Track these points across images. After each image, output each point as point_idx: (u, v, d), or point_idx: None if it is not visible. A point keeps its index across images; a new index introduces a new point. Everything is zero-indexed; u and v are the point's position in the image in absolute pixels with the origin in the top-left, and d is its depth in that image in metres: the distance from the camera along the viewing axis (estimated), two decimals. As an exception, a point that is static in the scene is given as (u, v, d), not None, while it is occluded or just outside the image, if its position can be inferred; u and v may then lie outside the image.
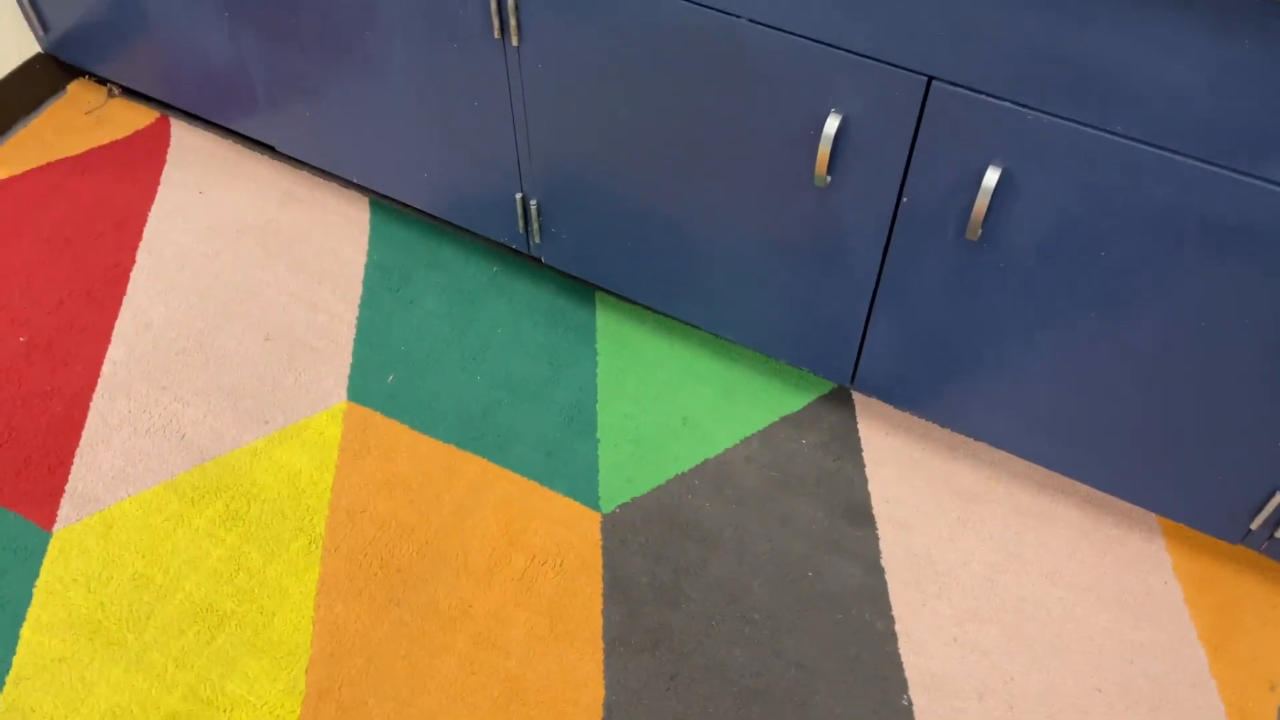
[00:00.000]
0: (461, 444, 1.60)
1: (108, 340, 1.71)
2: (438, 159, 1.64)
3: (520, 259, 1.84)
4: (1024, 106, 1.08)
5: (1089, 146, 1.07)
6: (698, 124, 1.32)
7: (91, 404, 1.63)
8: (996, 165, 1.13)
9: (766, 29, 1.17)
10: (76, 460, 1.57)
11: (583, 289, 1.80)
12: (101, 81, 2.14)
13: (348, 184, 1.95)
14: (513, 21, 1.34)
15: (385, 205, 1.92)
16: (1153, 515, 1.50)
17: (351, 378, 1.67)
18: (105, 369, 1.68)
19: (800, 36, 1.16)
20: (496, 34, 1.37)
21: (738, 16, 1.18)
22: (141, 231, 1.87)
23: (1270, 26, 0.91)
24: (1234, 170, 1.01)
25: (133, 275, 1.81)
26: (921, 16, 1.07)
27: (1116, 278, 1.16)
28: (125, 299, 1.77)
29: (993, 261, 1.23)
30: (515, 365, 1.69)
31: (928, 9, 1.06)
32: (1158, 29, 0.96)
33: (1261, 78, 0.94)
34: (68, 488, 1.54)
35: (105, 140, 2.03)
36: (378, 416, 1.63)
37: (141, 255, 1.84)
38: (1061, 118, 1.07)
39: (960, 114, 1.12)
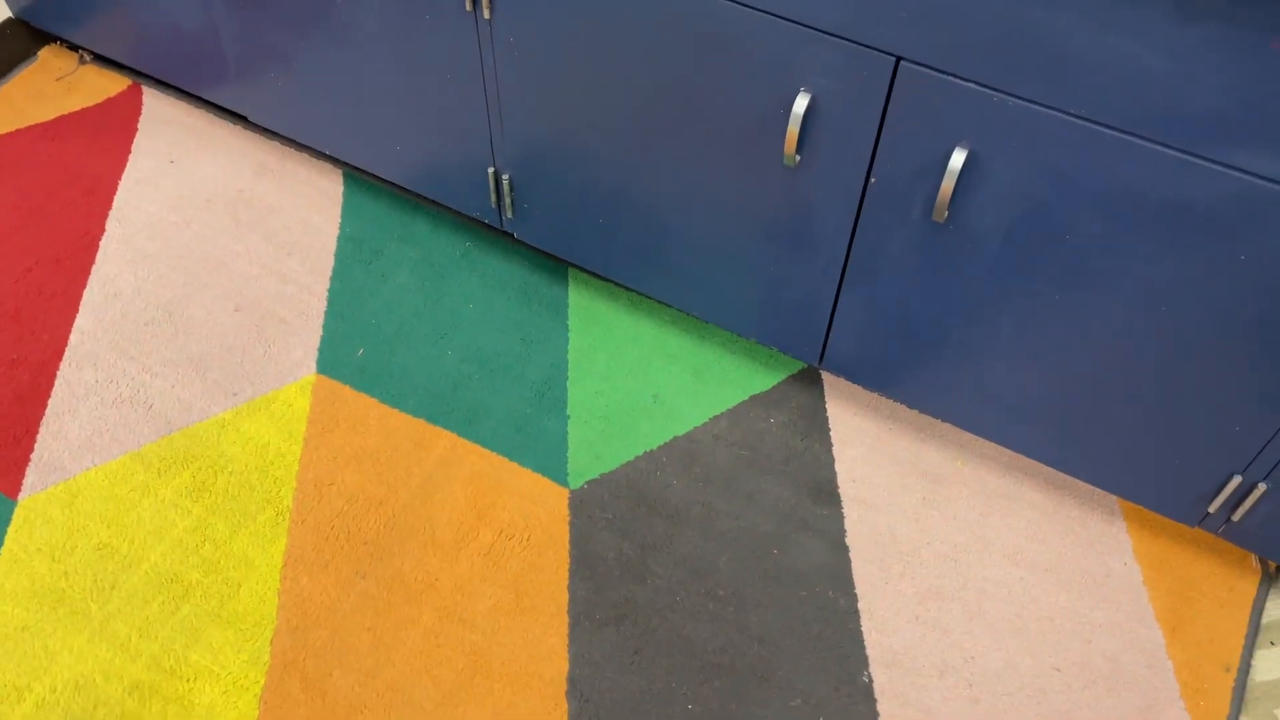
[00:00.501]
0: (431, 418, 1.60)
1: (75, 309, 1.70)
2: (411, 132, 1.63)
3: (493, 234, 1.84)
4: (991, 89, 1.08)
5: (1054, 129, 1.07)
6: (669, 101, 1.31)
7: (58, 373, 1.62)
8: (963, 147, 1.14)
9: (737, 5, 1.17)
10: (42, 429, 1.56)
11: (555, 265, 1.79)
12: (73, 48, 2.12)
13: (320, 155, 1.94)
14: (484, -6, 1.33)
15: (358, 178, 1.91)
16: (1114, 498, 1.52)
17: (321, 350, 1.67)
18: (72, 338, 1.67)
19: (770, 14, 1.16)
20: (468, 6, 1.36)
21: (708, -7, 1.18)
22: (111, 200, 1.85)
23: (1233, 12, 0.91)
24: (1195, 155, 1.02)
25: (102, 244, 1.79)
26: (890, -4, 1.07)
27: (1080, 261, 1.17)
28: (94, 268, 1.76)
29: (959, 243, 1.24)
30: (486, 340, 1.69)
31: (896, -11, 1.06)
32: (1124, 13, 0.96)
33: (1223, 63, 0.95)
34: (33, 457, 1.53)
35: (76, 107, 2.01)
36: (347, 390, 1.62)
37: (111, 224, 1.82)
38: (1027, 100, 1.07)
39: (928, 95, 1.12)
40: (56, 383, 1.61)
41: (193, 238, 1.81)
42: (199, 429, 1.57)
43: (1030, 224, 1.17)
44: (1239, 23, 0.92)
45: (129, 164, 1.91)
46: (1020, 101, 1.07)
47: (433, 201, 1.87)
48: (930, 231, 1.25)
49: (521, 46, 1.37)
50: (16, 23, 2.05)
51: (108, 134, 1.96)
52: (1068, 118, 1.06)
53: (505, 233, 1.83)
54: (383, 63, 1.54)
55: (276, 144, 1.96)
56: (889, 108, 1.16)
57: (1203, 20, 0.93)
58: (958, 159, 1.14)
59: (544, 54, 1.36)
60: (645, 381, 1.64)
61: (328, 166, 1.93)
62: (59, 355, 1.64)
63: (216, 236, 1.81)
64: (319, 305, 1.72)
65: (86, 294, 1.72)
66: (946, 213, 1.19)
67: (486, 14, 1.36)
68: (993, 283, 1.25)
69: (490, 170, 1.59)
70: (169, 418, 1.58)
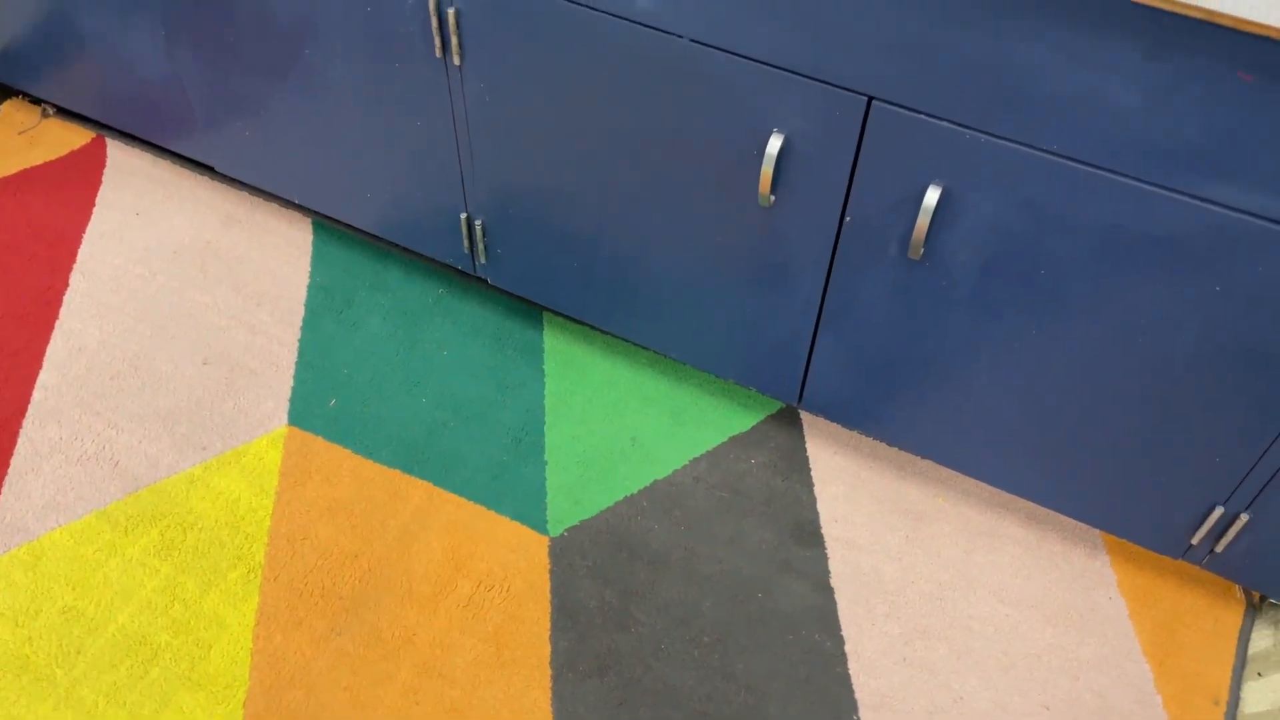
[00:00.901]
0: (406, 468, 1.57)
1: (39, 365, 1.66)
2: (381, 179, 1.62)
3: (466, 279, 1.82)
4: (962, 126, 1.09)
5: (1026, 166, 1.08)
6: (642, 144, 1.31)
7: (21, 431, 1.58)
8: (937, 184, 1.14)
9: (708, 48, 1.17)
10: (4, 489, 1.51)
11: (529, 309, 1.78)
12: (35, 101, 2.09)
13: (289, 205, 1.92)
14: (454, 41, 1.33)
15: (328, 226, 1.90)
16: (1096, 531, 1.51)
17: (293, 401, 1.64)
18: (36, 394, 1.63)
19: (742, 56, 1.16)
20: (438, 53, 1.36)
21: (679, 36, 1.18)
22: (76, 253, 1.82)
23: (1199, 47, 0.93)
24: (1167, 188, 1.03)
25: (66, 298, 1.76)
26: (861, 36, 1.07)
27: (1056, 295, 1.17)
28: (58, 322, 1.72)
29: (935, 280, 1.24)
30: (461, 387, 1.67)
31: (867, 29, 1.07)
32: (1092, 50, 0.97)
33: (1191, 97, 0.96)
34: (-5, 518, 1.49)
35: (39, 161, 1.98)
36: (319, 441, 1.59)
37: (75, 278, 1.79)
38: (999, 137, 1.07)
39: (900, 133, 1.13)
40: (19, 440, 1.57)
41: (159, 290, 1.78)
42: (167, 485, 1.53)
43: (1006, 259, 1.17)
44: (1207, 56, 0.93)
45: (93, 217, 1.88)
46: (993, 139, 1.08)
47: (404, 248, 1.85)
48: (906, 269, 1.25)
49: (492, 92, 1.37)
50: (-23, 77, 2.02)
51: (71, 187, 1.93)
52: (1040, 154, 1.06)
53: (478, 278, 1.82)
54: (352, 111, 1.54)
55: (244, 194, 1.94)
56: (862, 147, 1.16)
57: (1171, 54, 0.94)
58: (932, 196, 1.14)
59: (515, 99, 1.36)
60: (623, 425, 1.63)
61: (297, 215, 1.91)
62: (22, 412, 1.60)
63: (184, 288, 1.78)
64: (289, 356, 1.70)
65: (50, 349, 1.69)
66: (922, 250, 1.19)
67: (457, 60, 1.35)
68: (970, 319, 1.25)
69: (462, 216, 1.58)
70: (136, 474, 1.54)
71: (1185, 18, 0.91)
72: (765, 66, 1.15)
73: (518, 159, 1.44)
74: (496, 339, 1.73)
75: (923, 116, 1.10)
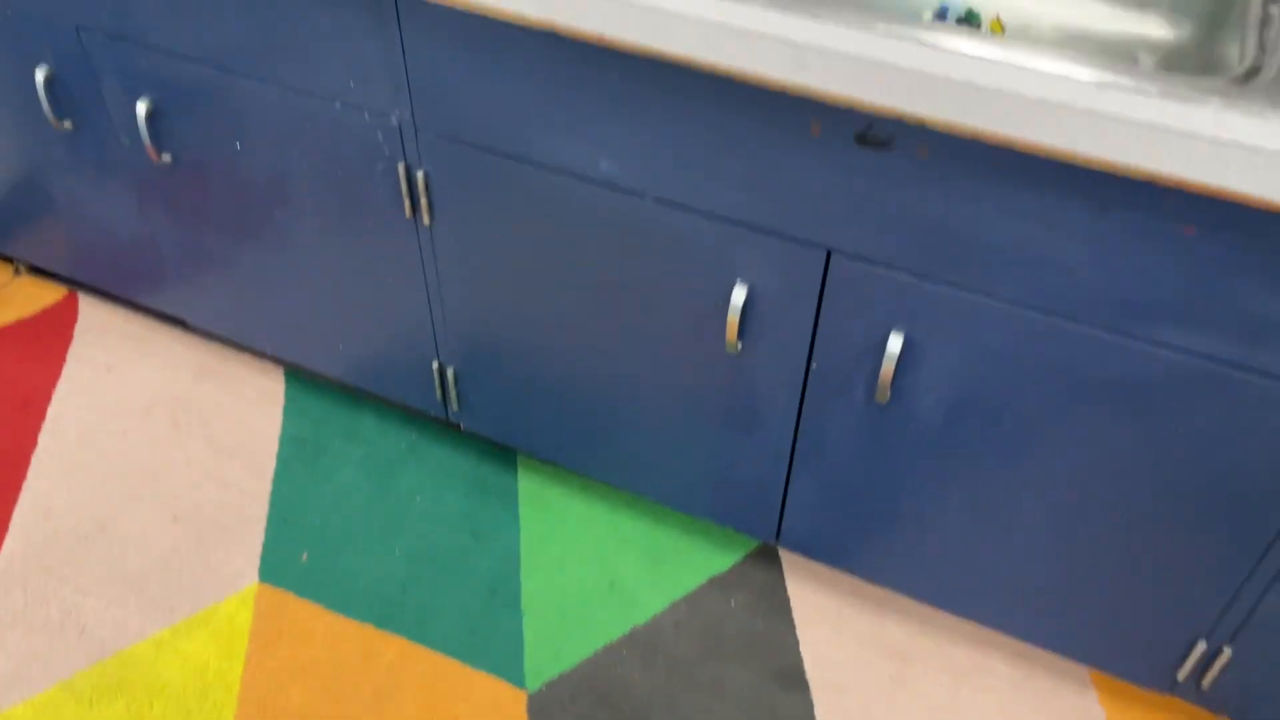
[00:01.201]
0: (380, 623, 1.54)
1: (4, 531, 1.63)
2: (353, 330, 1.63)
3: (439, 426, 1.82)
4: (920, 277, 1.11)
5: (984, 314, 1.10)
6: (611, 295, 1.33)
7: (-17, 600, 1.54)
8: (899, 331, 1.16)
9: (671, 207, 1.20)
10: (-36, 663, 1.47)
11: (504, 454, 1.78)
12: (7, 260, 2.11)
13: (262, 356, 1.93)
14: (424, 202, 1.36)
15: (301, 376, 1.90)
16: (1084, 667, 1.49)
17: (264, 557, 1.61)
18: (0, 562, 1.59)
19: (703, 214, 1.19)
20: (408, 214, 1.38)
21: (642, 196, 1.21)
22: (45, 412, 1.81)
23: (1140, 203, 0.96)
24: (1122, 334, 1.05)
25: (34, 459, 1.74)
26: (816, 195, 1.11)
27: (1021, 436, 1.18)
28: (25, 485, 1.70)
29: (903, 422, 1.25)
30: (435, 536, 1.65)
31: (820, 189, 1.10)
32: (1039, 208, 1.00)
33: (1137, 250, 0.99)
34: (-47, 695, 1.44)
35: (9, 320, 1.98)
36: (291, 597, 1.56)
37: (44, 437, 1.77)
38: (956, 287, 1.10)
39: (860, 284, 1.15)
40: (-19, 610, 1.53)
41: (129, 447, 1.76)
42: (134, 652, 1.49)
43: (971, 403, 1.18)
44: (1151, 211, 0.96)
45: (64, 374, 1.88)
46: (949, 289, 1.10)
47: (377, 396, 1.86)
48: (875, 412, 1.26)
49: (462, 249, 1.40)
50: (-49, 237, 2.04)
51: (43, 345, 1.93)
52: (996, 303, 1.09)
53: (452, 424, 1.82)
54: (324, 267, 1.56)
55: (217, 346, 1.94)
56: (824, 296, 1.19)
57: (1117, 210, 0.97)
58: (895, 343, 1.16)
59: (485, 255, 1.39)
60: (601, 569, 1.61)
61: (269, 366, 1.91)
62: (-15, 580, 1.57)
63: (155, 444, 1.77)
64: (261, 510, 1.68)
65: (16, 514, 1.66)
66: (889, 394, 1.21)
67: (426, 220, 1.38)
68: (940, 459, 1.26)
69: (434, 364, 1.59)
70: (102, 641, 1.50)
71: (1129, 178, 0.95)
72: (726, 223, 1.18)
73: (489, 310, 1.46)
74: (470, 485, 1.72)
75: (881, 269, 1.13)
